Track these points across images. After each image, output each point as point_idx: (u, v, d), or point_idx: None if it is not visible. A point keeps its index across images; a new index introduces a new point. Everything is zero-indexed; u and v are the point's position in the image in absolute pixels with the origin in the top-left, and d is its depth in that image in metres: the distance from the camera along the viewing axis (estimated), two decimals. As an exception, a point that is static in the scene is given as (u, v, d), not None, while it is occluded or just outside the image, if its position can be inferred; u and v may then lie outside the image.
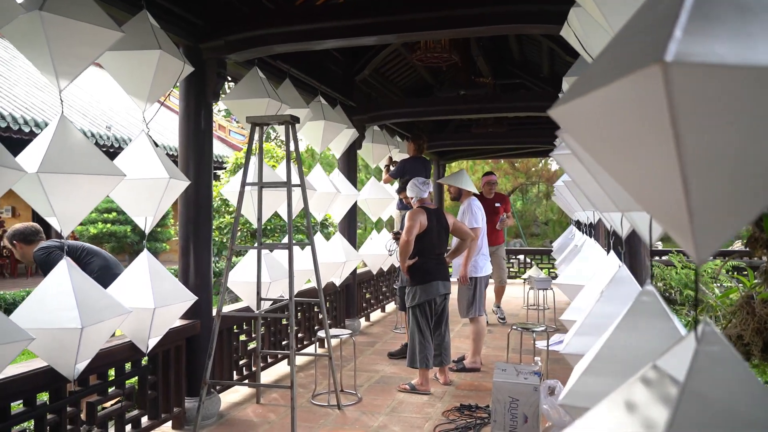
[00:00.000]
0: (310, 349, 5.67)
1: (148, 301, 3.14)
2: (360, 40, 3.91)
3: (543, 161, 19.54)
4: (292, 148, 3.86)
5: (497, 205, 7.19)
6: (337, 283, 6.18)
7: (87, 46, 2.72)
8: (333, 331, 4.51)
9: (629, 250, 3.24)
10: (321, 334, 4.45)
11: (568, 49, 6.02)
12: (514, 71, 8.58)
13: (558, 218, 17.89)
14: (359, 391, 4.55)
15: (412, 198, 4.80)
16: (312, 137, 5.62)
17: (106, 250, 10.06)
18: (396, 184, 6.88)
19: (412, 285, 4.56)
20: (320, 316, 5.88)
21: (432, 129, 10.36)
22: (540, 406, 3.40)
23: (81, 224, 10.96)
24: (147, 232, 3.36)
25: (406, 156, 6.73)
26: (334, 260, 5.78)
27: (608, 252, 2.87)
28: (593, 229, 5.93)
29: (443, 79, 9.16)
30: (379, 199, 7.25)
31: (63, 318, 2.59)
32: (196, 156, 3.94)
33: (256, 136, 3.88)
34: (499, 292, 7.57)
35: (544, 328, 4.62)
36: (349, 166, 6.79)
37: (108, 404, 3.28)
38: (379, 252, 7.20)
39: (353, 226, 6.94)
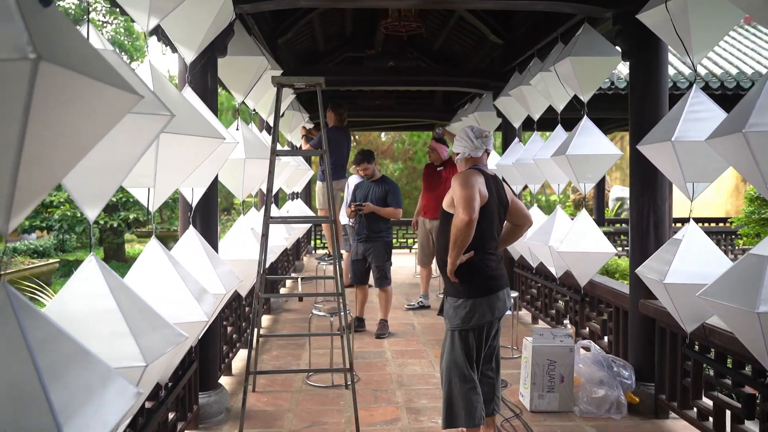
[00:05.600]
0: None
1: (216, 286, 2.70)
2: (398, 2, 3.69)
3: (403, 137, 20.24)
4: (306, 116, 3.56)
5: (439, 168, 6.36)
6: (273, 259, 5.84)
7: (188, -21, 2.23)
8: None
9: (654, 220, 3.60)
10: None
11: (494, 29, 6.32)
12: (404, 46, 8.72)
13: (418, 195, 18.74)
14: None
15: (458, 154, 3.01)
16: (260, 103, 5.16)
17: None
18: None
19: (463, 297, 2.87)
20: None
21: (308, 99, 10.10)
22: (575, 365, 3.66)
23: None
24: (194, 205, 2.87)
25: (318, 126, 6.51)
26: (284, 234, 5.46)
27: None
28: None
29: (330, 48, 9.01)
30: (295, 169, 6.92)
31: (184, 311, 2.14)
32: (203, 118, 3.42)
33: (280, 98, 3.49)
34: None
35: (517, 294, 4.90)
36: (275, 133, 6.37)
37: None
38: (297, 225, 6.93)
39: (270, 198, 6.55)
